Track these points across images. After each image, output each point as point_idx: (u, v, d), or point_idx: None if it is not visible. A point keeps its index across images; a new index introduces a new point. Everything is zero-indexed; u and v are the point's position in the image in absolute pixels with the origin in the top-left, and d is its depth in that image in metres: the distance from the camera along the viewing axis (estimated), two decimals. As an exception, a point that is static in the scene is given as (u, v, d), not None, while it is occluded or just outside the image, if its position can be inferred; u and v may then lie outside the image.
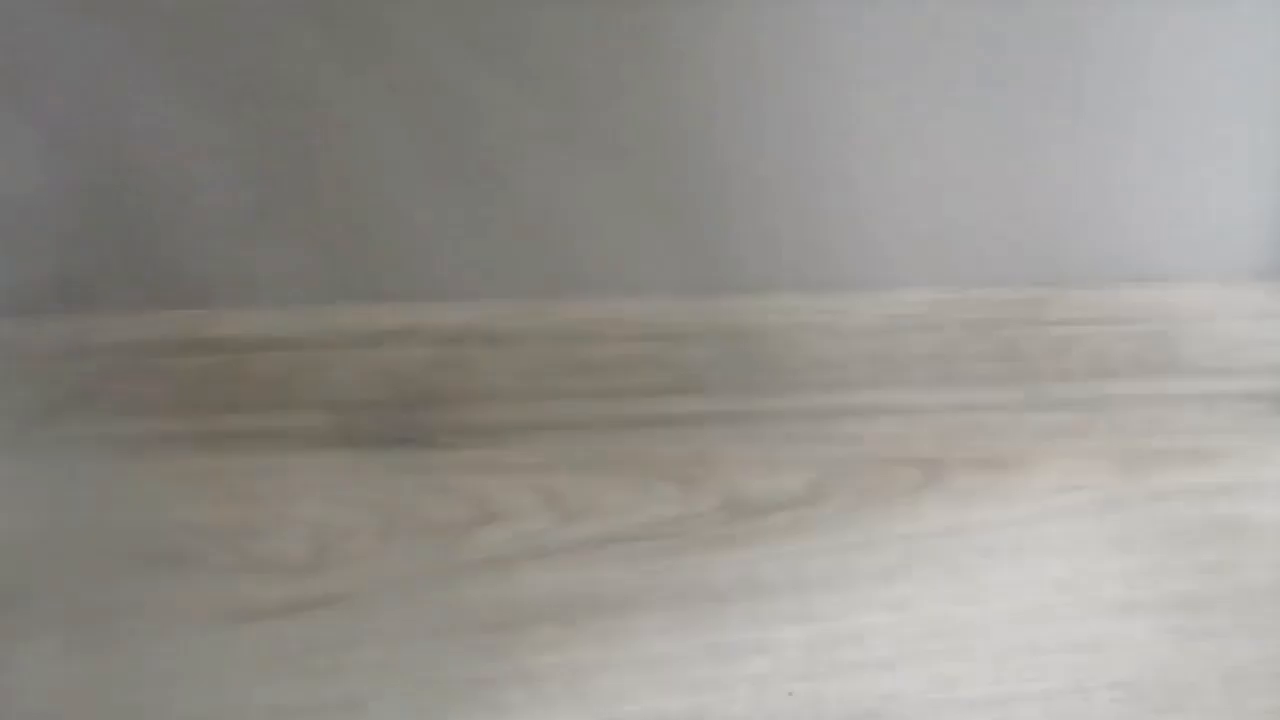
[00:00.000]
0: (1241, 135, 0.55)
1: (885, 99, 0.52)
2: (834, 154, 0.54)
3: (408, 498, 0.53)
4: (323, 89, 0.49)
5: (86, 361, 0.55)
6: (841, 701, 0.45)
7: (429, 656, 0.47)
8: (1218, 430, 0.57)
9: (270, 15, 0.47)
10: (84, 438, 0.55)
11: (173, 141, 0.51)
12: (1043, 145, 0.55)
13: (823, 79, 0.51)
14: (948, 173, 0.55)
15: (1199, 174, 0.56)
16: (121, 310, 0.55)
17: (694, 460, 0.55)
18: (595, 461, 0.55)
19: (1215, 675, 0.45)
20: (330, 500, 0.53)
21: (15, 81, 0.48)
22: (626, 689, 0.46)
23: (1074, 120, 0.54)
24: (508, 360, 0.57)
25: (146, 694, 0.45)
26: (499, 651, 0.47)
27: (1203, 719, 0.43)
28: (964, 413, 0.58)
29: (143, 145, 0.51)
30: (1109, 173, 0.56)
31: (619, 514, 0.52)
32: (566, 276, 0.57)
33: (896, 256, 0.58)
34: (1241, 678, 0.45)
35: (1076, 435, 0.57)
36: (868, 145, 0.54)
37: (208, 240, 0.54)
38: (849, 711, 0.44)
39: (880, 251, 0.58)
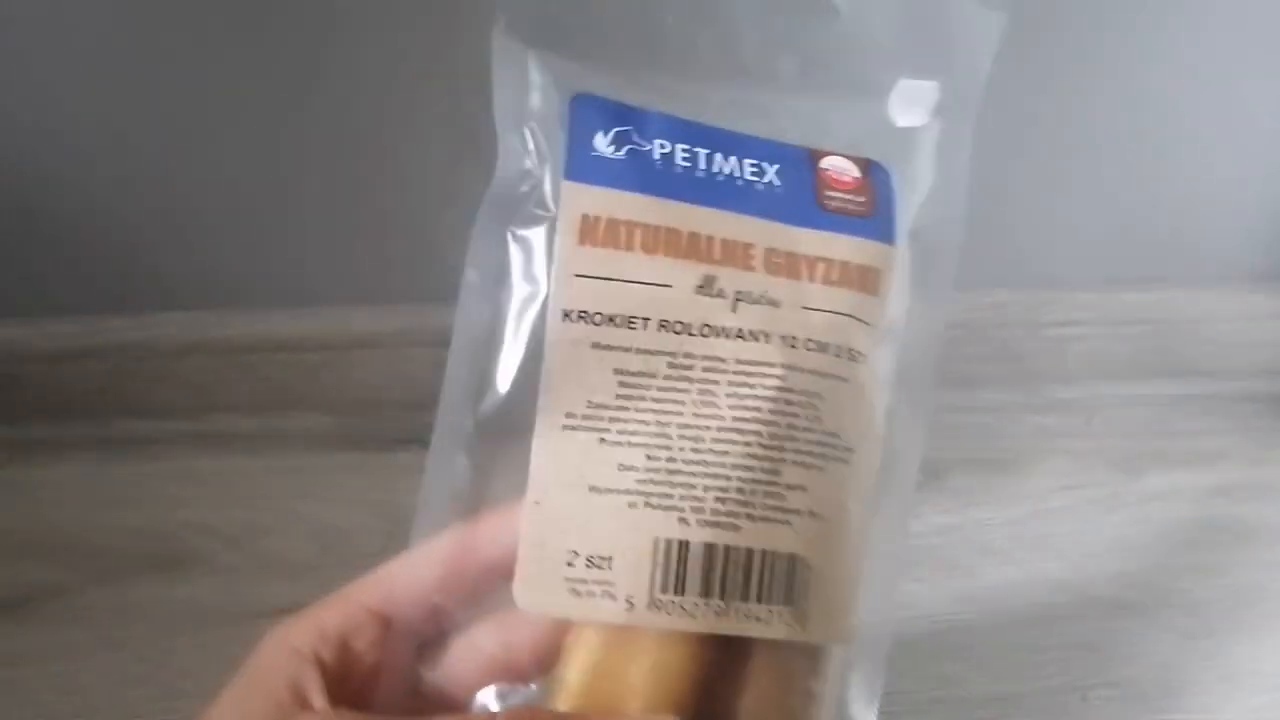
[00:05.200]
0: (1239, 138, 0.55)
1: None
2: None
3: (410, 497, 0.53)
4: (324, 89, 0.49)
5: (90, 362, 0.55)
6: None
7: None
8: (1215, 431, 0.58)
9: (270, 13, 0.47)
10: (87, 438, 0.56)
11: (174, 143, 0.51)
12: (1040, 148, 0.55)
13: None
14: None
15: (1196, 176, 0.56)
16: (124, 311, 0.55)
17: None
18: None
19: (1212, 674, 0.45)
20: (333, 500, 0.53)
21: (14, 79, 0.49)
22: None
23: (1071, 123, 0.54)
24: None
25: (151, 691, 0.45)
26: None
27: (1196, 717, 0.44)
28: (963, 413, 0.59)
29: (150, 146, 0.51)
30: (1106, 175, 0.56)
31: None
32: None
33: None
34: (1238, 676, 0.45)
35: (1075, 436, 0.58)
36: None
37: (210, 242, 0.54)
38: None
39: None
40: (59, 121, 0.50)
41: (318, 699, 0.25)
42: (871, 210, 0.30)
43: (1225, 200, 0.58)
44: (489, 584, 0.26)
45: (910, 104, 0.30)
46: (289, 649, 0.26)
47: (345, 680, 0.26)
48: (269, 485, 0.54)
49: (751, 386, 0.27)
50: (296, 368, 0.56)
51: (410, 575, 0.27)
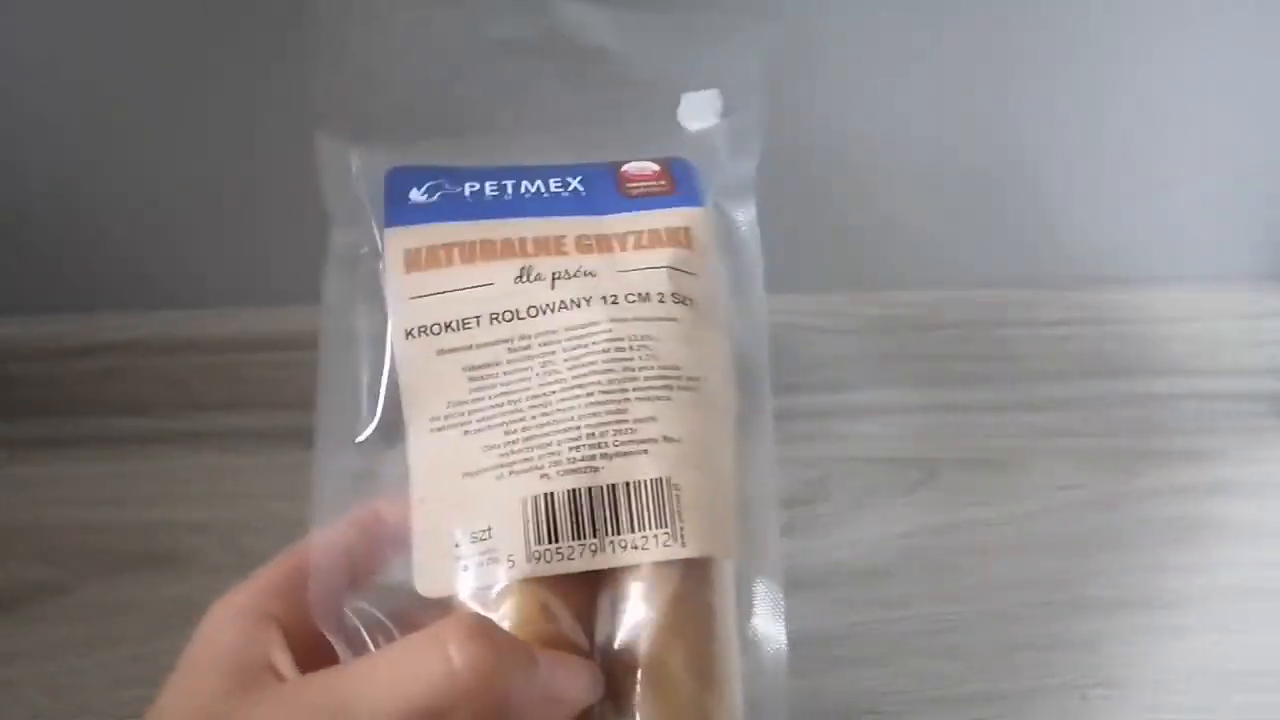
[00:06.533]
0: (1234, 138, 0.55)
1: (882, 101, 0.53)
2: (830, 156, 0.54)
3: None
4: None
5: (82, 361, 0.55)
6: (838, 698, 0.45)
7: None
8: (1209, 430, 0.58)
9: (262, 13, 0.47)
10: (80, 436, 0.55)
11: (165, 141, 0.51)
12: (1036, 147, 0.55)
13: (821, 82, 0.51)
14: (942, 175, 0.55)
15: (1192, 176, 0.56)
16: (115, 310, 0.55)
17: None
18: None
19: (1205, 673, 0.45)
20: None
21: (14, 84, 0.48)
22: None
23: (1067, 122, 0.54)
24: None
25: (146, 691, 0.45)
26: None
27: (1192, 716, 0.44)
28: (959, 412, 0.59)
29: (144, 145, 0.51)
30: (1102, 175, 0.56)
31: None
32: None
33: (893, 258, 0.58)
34: (1231, 675, 0.45)
35: (1070, 435, 0.58)
36: (864, 148, 0.54)
37: (200, 240, 0.54)
38: (845, 708, 0.45)
39: (877, 253, 0.58)
40: (50, 121, 0.50)
41: (285, 667, 0.25)
42: (674, 189, 0.33)
43: (1219, 200, 0.58)
44: (394, 548, 0.29)
45: (697, 111, 0.34)
46: (234, 613, 0.27)
47: (302, 631, 0.27)
48: (262, 484, 0.53)
49: (585, 346, 0.30)
50: (288, 366, 0.56)
51: (326, 537, 0.29)
